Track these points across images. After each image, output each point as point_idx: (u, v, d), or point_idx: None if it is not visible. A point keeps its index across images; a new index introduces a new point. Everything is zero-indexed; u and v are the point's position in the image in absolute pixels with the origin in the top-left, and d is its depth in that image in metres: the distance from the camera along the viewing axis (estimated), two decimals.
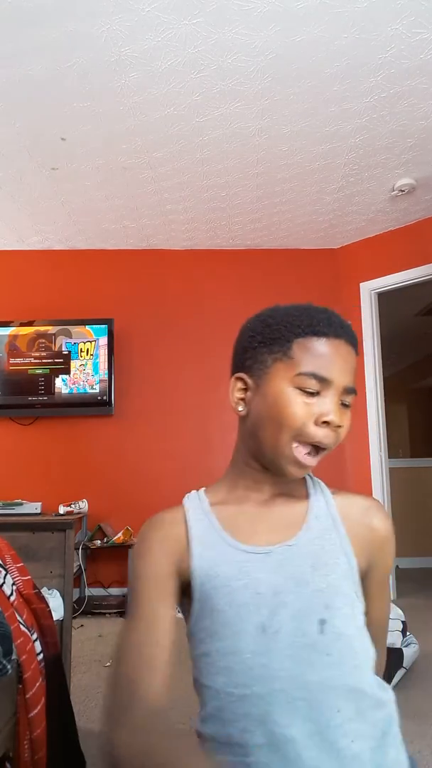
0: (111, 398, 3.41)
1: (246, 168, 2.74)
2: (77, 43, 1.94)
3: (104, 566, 3.33)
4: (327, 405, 0.67)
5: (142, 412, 3.54)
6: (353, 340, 0.71)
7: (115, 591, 3.29)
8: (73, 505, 3.16)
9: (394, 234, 3.41)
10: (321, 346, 0.69)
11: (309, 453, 0.68)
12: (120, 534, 3.14)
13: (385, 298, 3.57)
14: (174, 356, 3.60)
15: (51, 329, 3.47)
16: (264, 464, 0.73)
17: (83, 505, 3.29)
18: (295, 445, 0.68)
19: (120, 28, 1.87)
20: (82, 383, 3.41)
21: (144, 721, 0.61)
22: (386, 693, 0.69)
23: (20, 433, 3.49)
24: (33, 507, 3.17)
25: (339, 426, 0.67)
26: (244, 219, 3.29)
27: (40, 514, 3.16)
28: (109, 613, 2.97)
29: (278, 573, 0.67)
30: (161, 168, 2.72)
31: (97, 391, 3.40)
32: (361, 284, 3.53)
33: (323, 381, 0.67)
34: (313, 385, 0.68)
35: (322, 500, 0.74)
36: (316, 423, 0.67)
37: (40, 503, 3.20)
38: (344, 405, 0.69)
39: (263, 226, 3.38)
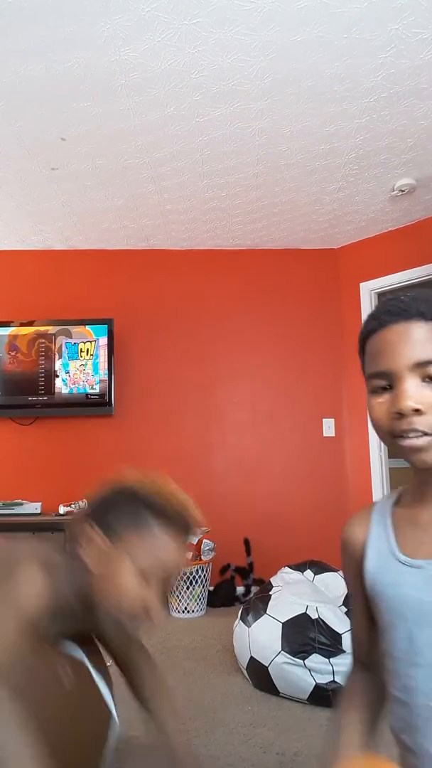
0: (111, 398, 3.41)
1: (246, 168, 2.74)
2: (77, 44, 1.93)
3: None
4: (394, 395, 0.65)
5: (142, 412, 3.54)
6: (409, 315, 0.65)
7: None
8: (73, 506, 3.16)
9: (395, 234, 3.41)
10: (372, 345, 0.68)
11: (415, 436, 0.63)
12: None
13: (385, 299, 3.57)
14: (174, 356, 3.60)
15: (51, 329, 3.47)
16: None
17: (83, 506, 3.29)
18: (397, 441, 0.66)
19: (120, 29, 1.87)
20: (82, 383, 3.41)
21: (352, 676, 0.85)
22: None
23: (20, 433, 3.49)
24: (33, 507, 3.17)
25: (417, 410, 0.63)
26: (244, 219, 3.29)
27: (40, 514, 3.16)
28: None
29: (426, 591, 0.66)
30: (161, 168, 2.72)
31: (97, 391, 3.40)
32: (362, 284, 3.53)
33: (382, 375, 0.66)
34: (376, 383, 0.67)
35: None
36: (393, 418, 0.65)
37: (40, 503, 3.20)
38: (429, 381, 0.64)
39: (263, 226, 3.38)
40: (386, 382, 0.66)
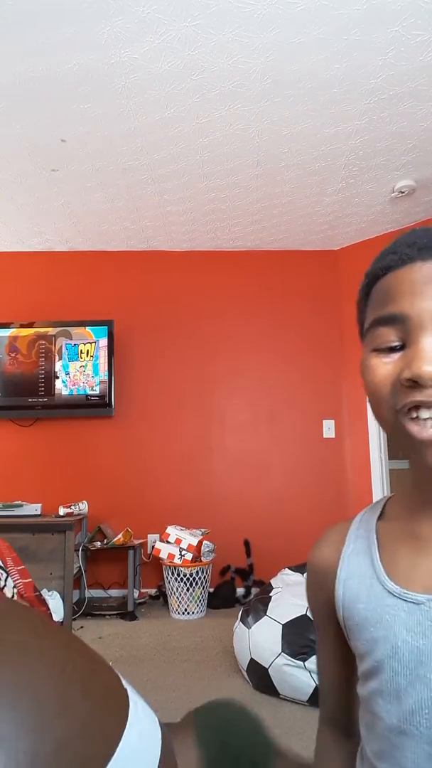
0: (111, 399, 3.41)
1: (246, 169, 2.74)
2: (78, 45, 1.94)
3: (104, 568, 3.33)
4: (409, 355, 0.45)
5: (142, 413, 3.54)
6: None
7: (115, 592, 3.29)
8: (73, 507, 3.16)
9: (395, 235, 3.37)
10: (385, 284, 0.49)
11: (425, 419, 0.44)
12: (120, 535, 3.14)
13: None
14: (174, 357, 3.60)
15: (51, 331, 3.47)
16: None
17: (83, 507, 3.29)
18: (404, 421, 0.45)
19: (120, 30, 1.87)
20: (82, 384, 3.41)
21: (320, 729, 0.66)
22: None
23: (20, 434, 3.49)
24: (33, 508, 3.17)
25: None
26: (245, 220, 3.29)
27: (40, 515, 3.15)
28: (109, 615, 2.97)
29: (426, 636, 0.48)
30: (161, 169, 2.73)
31: (97, 392, 3.40)
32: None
33: (394, 321, 0.46)
34: (383, 334, 0.47)
35: None
36: (402, 387, 0.45)
37: (40, 504, 3.20)
38: None
39: (263, 227, 3.38)
40: (397, 337, 0.46)
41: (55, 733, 0.72)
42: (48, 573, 2.85)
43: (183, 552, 3.01)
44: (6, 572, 1.26)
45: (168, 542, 3.07)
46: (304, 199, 3.05)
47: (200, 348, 3.61)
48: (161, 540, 3.11)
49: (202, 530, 3.16)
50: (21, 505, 3.18)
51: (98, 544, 3.17)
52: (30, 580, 1.34)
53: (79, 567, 3.12)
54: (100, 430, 3.51)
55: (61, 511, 3.10)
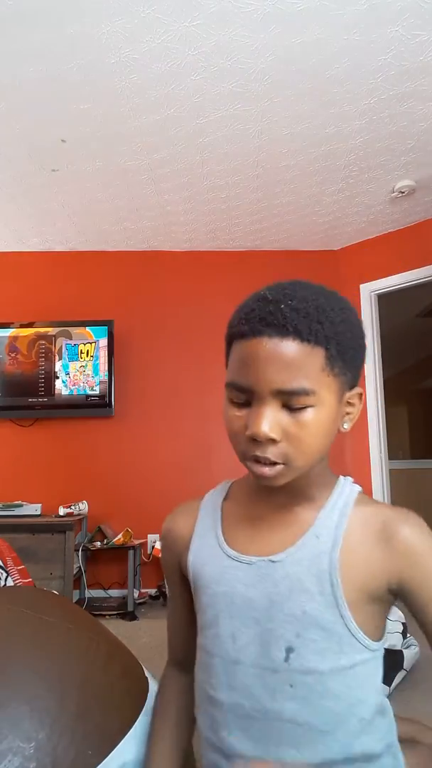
0: (111, 400, 3.41)
1: (246, 170, 2.74)
2: (77, 45, 1.94)
3: (104, 568, 3.33)
4: (251, 417, 0.58)
5: (142, 413, 3.54)
6: (285, 331, 0.56)
7: (115, 592, 3.29)
8: (73, 507, 3.16)
9: (395, 235, 3.42)
10: (238, 351, 0.60)
11: (264, 464, 0.59)
12: (120, 535, 3.14)
13: (385, 300, 3.58)
14: (174, 358, 3.60)
15: (51, 331, 3.48)
16: None
17: (83, 507, 3.29)
18: (247, 463, 0.61)
19: (120, 30, 1.87)
20: (82, 385, 3.41)
21: (165, 672, 0.81)
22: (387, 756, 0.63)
23: (20, 434, 3.49)
24: (33, 508, 3.17)
25: (272, 439, 0.57)
26: (245, 221, 3.29)
27: (40, 515, 3.16)
28: (110, 615, 2.97)
29: (255, 587, 0.64)
30: (161, 170, 2.73)
31: (97, 392, 3.40)
32: (362, 286, 3.53)
33: (243, 390, 0.59)
34: (235, 395, 0.60)
35: (335, 515, 0.65)
36: (248, 439, 0.59)
37: (40, 505, 3.20)
38: (291, 409, 0.57)
39: (263, 227, 3.38)
40: (245, 398, 0.59)
41: (76, 700, 0.77)
42: (48, 573, 2.85)
43: None
44: (6, 572, 1.26)
45: None
46: (304, 199, 3.05)
47: (200, 348, 3.61)
48: (161, 540, 3.11)
49: None
50: (21, 505, 3.18)
51: (98, 544, 3.17)
52: (30, 580, 1.34)
53: (79, 567, 3.12)
54: (100, 430, 3.51)
55: (61, 511, 3.09)
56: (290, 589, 0.62)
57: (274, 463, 0.59)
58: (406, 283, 3.35)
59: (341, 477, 0.72)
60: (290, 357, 0.56)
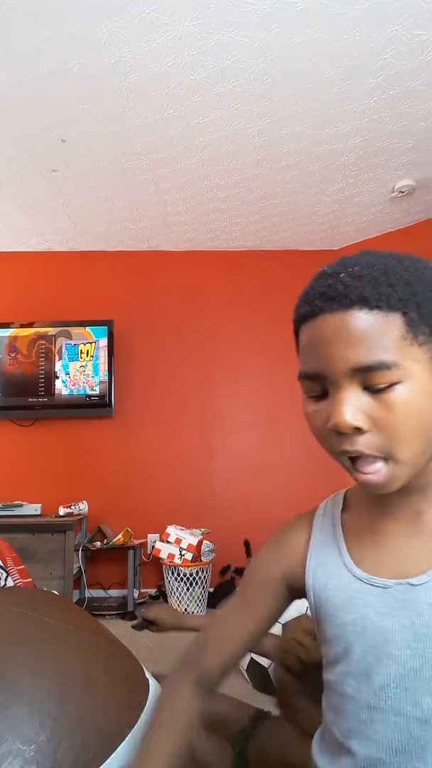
0: (111, 400, 3.41)
1: (246, 169, 2.74)
2: (77, 45, 1.94)
3: (104, 568, 3.33)
4: (330, 407, 0.50)
5: (143, 413, 3.53)
6: (349, 302, 0.49)
7: (115, 592, 3.29)
8: (73, 507, 3.16)
9: (394, 235, 3.42)
10: (306, 332, 0.54)
11: (362, 461, 0.50)
12: (120, 535, 3.14)
13: None
14: (174, 358, 3.60)
15: (51, 331, 3.47)
16: None
17: (83, 507, 3.29)
18: (343, 463, 0.52)
19: (120, 30, 1.87)
20: (82, 384, 3.41)
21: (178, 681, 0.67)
22: None
23: (20, 434, 3.49)
24: (33, 508, 3.17)
25: (358, 428, 0.48)
26: (245, 220, 3.29)
27: (40, 515, 3.15)
28: (110, 615, 2.97)
29: (393, 616, 0.52)
30: (161, 169, 2.73)
31: (97, 392, 3.40)
32: None
33: (314, 378, 0.52)
34: (309, 386, 0.53)
35: None
36: (332, 433, 0.50)
37: (40, 505, 3.19)
38: (375, 390, 0.48)
39: (263, 227, 3.38)
40: (320, 387, 0.52)
41: (76, 702, 0.76)
42: (48, 573, 2.85)
43: (183, 552, 3.01)
44: (6, 572, 1.26)
45: (168, 542, 3.07)
46: (304, 199, 3.04)
47: (200, 348, 3.60)
48: (161, 540, 3.11)
49: (202, 530, 3.16)
50: (21, 505, 3.18)
51: (98, 544, 3.17)
52: (30, 580, 1.34)
53: (79, 567, 3.12)
54: (100, 430, 3.51)
55: (61, 511, 3.09)
56: None
57: (374, 460, 0.49)
58: None
59: None
60: (360, 329, 0.48)
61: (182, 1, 1.76)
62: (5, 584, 1.21)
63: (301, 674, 1.10)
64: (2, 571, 1.24)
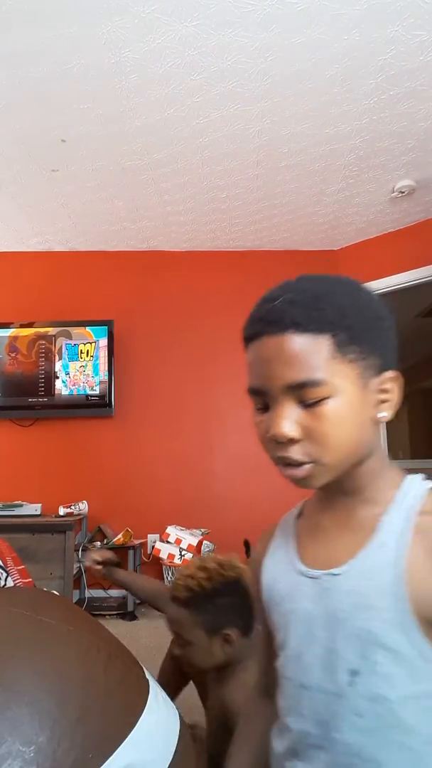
0: (111, 400, 3.41)
1: (246, 169, 2.74)
2: (77, 45, 1.94)
3: None
4: (270, 419, 0.57)
5: (143, 413, 3.53)
6: (283, 326, 0.55)
7: (115, 592, 3.29)
8: (73, 507, 3.16)
9: (394, 235, 3.42)
10: (249, 352, 0.60)
11: (291, 465, 0.57)
12: (120, 535, 3.14)
13: (385, 300, 3.57)
14: (174, 358, 3.60)
15: (51, 331, 3.47)
16: None
17: (83, 507, 3.29)
18: (279, 467, 0.60)
19: (120, 31, 1.87)
20: (82, 385, 3.41)
21: None
22: None
23: (20, 434, 3.49)
24: (33, 508, 3.17)
25: (291, 438, 0.55)
26: (245, 220, 3.29)
27: (40, 515, 3.15)
28: (110, 615, 2.97)
29: (318, 604, 0.59)
30: (161, 169, 2.73)
31: (97, 392, 3.40)
32: None
33: (259, 393, 0.58)
34: (255, 400, 0.60)
35: (400, 520, 0.57)
36: (271, 442, 0.58)
37: (40, 505, 3.19)
38: (307, 404, 0.55)
39: (263, 227, 3.38)
40: (263, 401, 0.59)
41: (76, 703, 0.76)
42: (48, 573, 2.85)
43: (183, 552, 3.01)
44: (6, 572, 1.26)
45: (168, 542, 3.07)
46: (304, 199, 3.04)
47: (200, 348, 3.60)
48: (161, 540, 3.11)
49: (202, 530, 3.16)
50: (21, 505, 3.18)
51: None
52: (30, 580, 1.34)
53: (79, 567, 3.12)
54: (100, 430, 3.51)
55: (61, 511, 3.09)
56: (353, 606, 0.56)
57: (302, 463, 0.56)
58: (406, 283, 3.35)
59: (408, 475, 0.64)
60: (292, 350, 0.54)
61: (182, 1, 1.76)
62: (5, 584, 1.21)
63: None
64: (2, 571, 1.24)
